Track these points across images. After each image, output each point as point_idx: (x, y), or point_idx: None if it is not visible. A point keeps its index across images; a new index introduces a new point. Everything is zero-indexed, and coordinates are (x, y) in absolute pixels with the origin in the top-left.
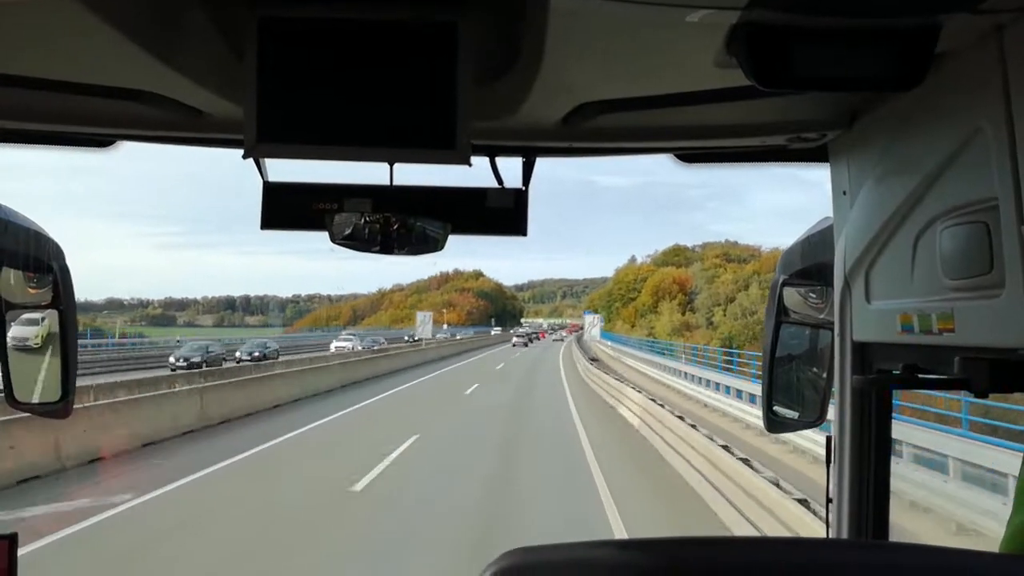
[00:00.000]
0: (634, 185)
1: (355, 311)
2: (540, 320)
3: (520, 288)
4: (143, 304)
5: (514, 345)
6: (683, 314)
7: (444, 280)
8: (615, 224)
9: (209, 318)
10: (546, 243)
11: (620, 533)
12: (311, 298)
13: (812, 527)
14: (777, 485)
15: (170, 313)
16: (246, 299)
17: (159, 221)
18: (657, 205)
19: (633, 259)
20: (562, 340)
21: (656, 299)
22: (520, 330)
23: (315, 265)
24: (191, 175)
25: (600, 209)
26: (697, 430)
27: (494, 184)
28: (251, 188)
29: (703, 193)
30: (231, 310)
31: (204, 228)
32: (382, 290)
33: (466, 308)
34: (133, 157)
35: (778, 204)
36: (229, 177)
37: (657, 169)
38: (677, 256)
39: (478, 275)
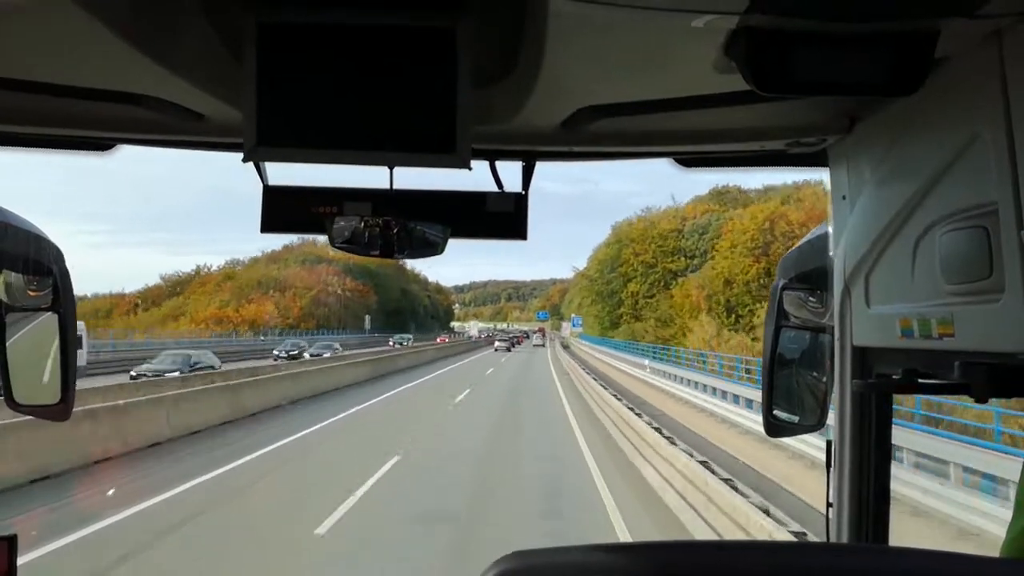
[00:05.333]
0: (576, 193)
1: (138, 303)
2: (480, 323)
3: (461, 289)
4: None
5: (496, 350)
6: None
7: (301, 247)
8: (560, 230)
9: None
10: (491, 245)
11: None
12: None
13: None
14: None
15: None
16: None
17: (86, 219)
18: (598, 213)
19: (618, 224)
20: (543, 345)
21: (764, 266)
22: (503, 335)
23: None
24: (123, 173)
25: (544, 214)
26: None
27: (494, 188)
28: (184, 189)
29: (645, 202)
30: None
31: (131, 227)
32: (201, 269)
33: (309, 295)
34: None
35: None
36: (164, 176)
37: (599, 177)
38: (734, 201)
39: None
